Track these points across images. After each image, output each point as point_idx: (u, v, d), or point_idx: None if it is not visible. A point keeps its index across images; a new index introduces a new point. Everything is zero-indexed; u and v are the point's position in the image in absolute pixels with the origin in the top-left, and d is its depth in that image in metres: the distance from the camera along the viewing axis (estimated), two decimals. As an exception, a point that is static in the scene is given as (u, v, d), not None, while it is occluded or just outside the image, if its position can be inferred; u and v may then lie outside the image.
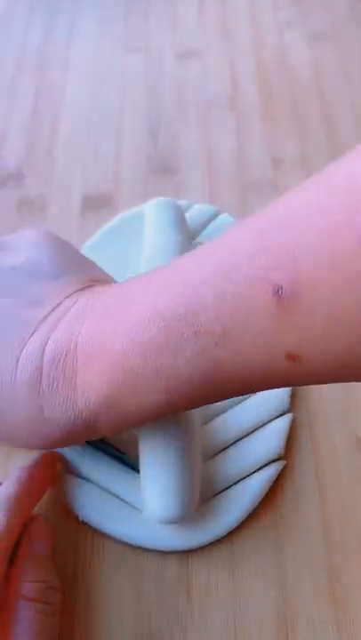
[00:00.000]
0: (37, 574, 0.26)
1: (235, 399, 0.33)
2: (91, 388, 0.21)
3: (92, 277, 0.26)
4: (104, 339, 0.21)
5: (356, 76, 0.50)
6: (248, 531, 0.30)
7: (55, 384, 0.21)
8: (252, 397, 0.33)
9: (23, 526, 0.27)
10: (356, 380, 0.19)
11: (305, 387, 0.35)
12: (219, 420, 0.32)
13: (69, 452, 0.31)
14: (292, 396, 0.34)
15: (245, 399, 0.33)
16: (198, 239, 0.39)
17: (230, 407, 0.33)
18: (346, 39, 0.52)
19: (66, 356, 0.21)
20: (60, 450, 0.31)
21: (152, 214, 0.37)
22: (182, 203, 0.40)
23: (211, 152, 0.45)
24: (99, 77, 0.49)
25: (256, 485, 0.31)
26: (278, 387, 0.21)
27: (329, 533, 0.30)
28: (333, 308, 0.16)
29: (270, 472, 0.31)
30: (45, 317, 0.22)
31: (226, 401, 0.33)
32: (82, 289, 0.24)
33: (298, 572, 0.29)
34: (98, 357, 0.21)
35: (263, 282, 0.18)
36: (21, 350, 0.21)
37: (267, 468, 0.31)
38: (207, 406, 0.33)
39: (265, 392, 0.33)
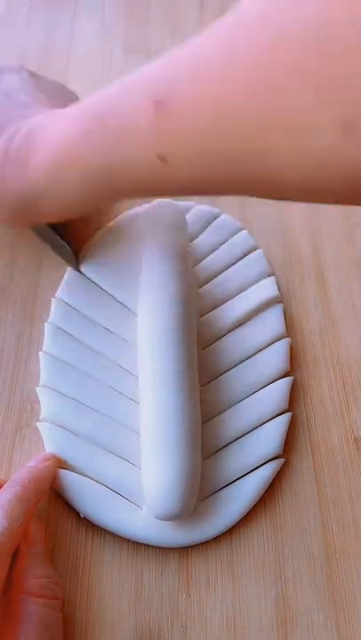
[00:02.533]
0: (40, 571, 0.27)
1: (233, 398, 0.33)
2: (37, 167, 0.29)
3: (65, 102, 0.32)
4: (48, 133, 0.29)
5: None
6: (247, 528, 0.31)
7: (15, 164, 0.30)
8: (251, 396, 0.34)
9: (25, 527, 0.28)
10: (209, 192, 0.27)
11: (305, 388, 0.35)
12: (218, 419, 0.33)
13: (70, 450, 0.31)
14: (292, 396, 0.34)
15: (245, 398, 0.34)
16: (198, 240, 0.40)
17: (230, 406, 0.33)
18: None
19: (25, 143, 0.29)
20: (61, 450, 0.31)
21: (152, 215, 0.38)
22: (182, 204, 0.40)
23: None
24: (99, 78, 0.50)
25: (255, 483, 0.31)
26: (157, 191, 0.29)
27: (327, 531, 0.31)
28: (198, 114, 0.22)
29: (269, 470, 0.32)
30: (17, 122, 0.31)
31: (225, 400, 0.33)
32: (49, 109, 0.32)
33: (297, 569, 0.30)
34: (43, 145, 0.29)
35: (146, 93, 0.24)
36: None
37: (266, 466, 0.32)
38: (208, 404, 0.33)
39: (264, 391, 0.34)
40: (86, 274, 0.37)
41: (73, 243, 0.38)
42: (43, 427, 0.32)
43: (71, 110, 0.29)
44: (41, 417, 0.33)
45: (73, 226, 0.38)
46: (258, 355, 0.35)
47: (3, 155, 0.30)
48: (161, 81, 0.24)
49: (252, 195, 0.24)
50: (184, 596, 0.29)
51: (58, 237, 0.37)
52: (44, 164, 0.29)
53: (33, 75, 0.36)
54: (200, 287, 0.38)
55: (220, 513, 0.30)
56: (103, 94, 0.27)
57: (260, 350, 0.35)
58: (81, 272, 0.37)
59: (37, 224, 0.37)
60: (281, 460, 0.32)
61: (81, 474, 0.31)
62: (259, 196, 0.24)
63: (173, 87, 0.23)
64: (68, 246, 0.37)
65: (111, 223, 0.40)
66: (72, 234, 0.38)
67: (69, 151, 0.28)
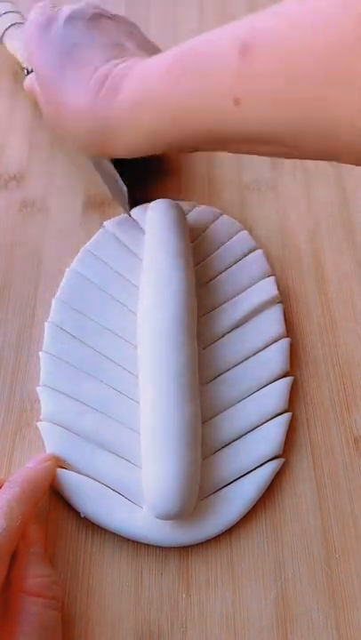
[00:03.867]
0: (39, 570, 0.27)
1: (233, 398, 0.34)
2: (123, 98, 0.31)
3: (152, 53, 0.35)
4: (139, 69, 0.31)
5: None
6: (247, 528, 0.31)
7: (108, 92, 0.32)
8: (251, 396, 0.34)
9: (24, 527, 0.28)
10: (272, 141, 0.27)
11: (305, 388, 0.35)
12: (218, 419, 0.33)
13: (70, 450, 0.31)
14: (291, 396, 0.34)
15: (245, 398, 0.34)
16: (198, 241, 0.40)
17: (230, 406, 0.33)
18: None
19: (121, 75, 0.32)
20: (61, 450, 0.31)
21: (154, 215, 0.38)
22: (184, 204, 0.40)
23: (211, 153, 0.46)
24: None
25: (254, 483, 0.31)
26: (226, 135, 0.28)
27: (327, 531, 0.31)
28: (276, 60, 0.24)
29: (269, 470, 0.32)
30: (116, 58, 0.33)
31: (225, 400, 0.33)
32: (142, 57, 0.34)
33: (297, 569, 0.30)
34: (133, 79, 0.31)
35: (232, 38, 0.26)
36: (96, 70, 0.32)
37: (265, 466, 0.32)
38: (208, 404, 0.33)
39: (264, 391, 0.34)
40: (138, 221, 0.40)
41: (130, 187, 0.40)
42: (43, 426, 0.32)
43: (163, 53, 0.31)
44: (41, 417, 0.33)
45: (134, 170, 0.40)
46: (258, 355, 0.35)
47: (101, 82, 0.32)
48: (249, 29, 0.26)
49: (307, 149, 0.26)
50: (184, 595, 0.29)
51: (118, 175, 0.40)
52: (129, 96, 0.31)
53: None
54: (200, 287, 0.38)
55: (220, 513, 0.30)
56: (190, 41, 0.29)
57: (261, 350, 0.35)
58: (130, 215, 0.40)
59: (105, 157, 0.40)
60: (281, 460, 0.32)
61: (81, 473, 0.31)
62: (314, 153, 0.26)
63: (260, 34, 0.25)
64: (125, 187, 0.40)
65: (112, 223, 0.40)
66: (131, 179, 0.40)
67: (151, 87, 0.30)
